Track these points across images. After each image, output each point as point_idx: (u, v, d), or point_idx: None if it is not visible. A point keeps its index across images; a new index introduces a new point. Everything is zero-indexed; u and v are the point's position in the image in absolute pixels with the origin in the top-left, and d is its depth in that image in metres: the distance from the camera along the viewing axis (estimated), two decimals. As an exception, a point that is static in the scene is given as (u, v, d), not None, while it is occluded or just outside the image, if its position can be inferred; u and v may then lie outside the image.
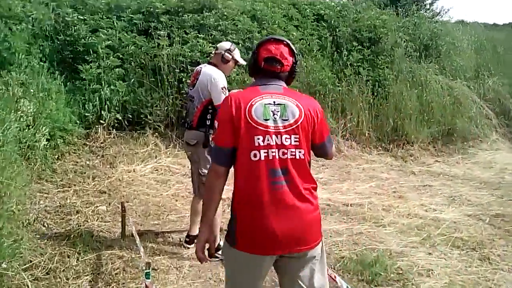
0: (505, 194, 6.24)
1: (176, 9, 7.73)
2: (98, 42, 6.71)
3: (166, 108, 6.97)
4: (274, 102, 2.10)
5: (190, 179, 4.14)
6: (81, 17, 7.06)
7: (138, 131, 6.75)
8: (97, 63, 6.61)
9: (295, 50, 2.26)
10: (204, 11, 7.79)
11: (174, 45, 7.16)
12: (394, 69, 9.59)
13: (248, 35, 7.75)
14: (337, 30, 9.53)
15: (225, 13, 7.90)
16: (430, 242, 4.36)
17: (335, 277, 2.75)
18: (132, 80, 6.88)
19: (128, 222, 4.04)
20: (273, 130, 2.06)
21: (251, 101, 2.09)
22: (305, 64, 8.37)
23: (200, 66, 3.98)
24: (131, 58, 7.00)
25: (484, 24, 17.48)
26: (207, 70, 3.75)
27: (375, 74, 9.22)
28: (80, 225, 4.29)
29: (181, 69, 7.05)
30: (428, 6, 17.81)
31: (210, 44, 7.22)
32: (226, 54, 3.81)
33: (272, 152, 2.04)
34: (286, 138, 2.06)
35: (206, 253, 2.21)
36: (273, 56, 2.17)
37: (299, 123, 2.09)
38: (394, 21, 10.75)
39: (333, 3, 10.67)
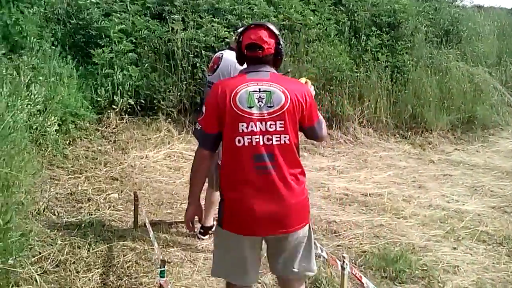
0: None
1: (191, -8, 7.51)
2: (110, 26, 6.53)
3: (179, 93, 6.81)
4: (259, 89, 2.17)
5: None
6: (94, 1, 6.88)
7: (151, 117, 6.60)
8: (109, 48, 6.44)
9: (276, 32, 2.28)
10: (219, -5, 7.56)
11: (188, 29, 6.97)
12: (414, 55, 9.31)
13: (264, 19, 7.51)
14: (356, 14, 9.23)
15: (241, -4, 7.67)
16: (454, 236, 4.16)
17: (360, 277, 2.58)
18: (145, 65, 6.72)
19: (140, 212, 3.91)
20: (257, 117, 2.14)
21: (236, 89, 2.16)
22: (322, 49, 8.13)
23: (220, 52, 3.78)
24: (144, 43, 6.83)
25: (505, 10, 16.93)
26: (229, 56, 3.52)
27: (394, 60, 8.96)
28: (92, 214, 4.17)
29: (195, 54, 6.86)
30: (447, -10, 17.28)
31: (225, 29, 7.02)
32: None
33: (256, 138, 2.13)
34: (271, 124, 2.14)
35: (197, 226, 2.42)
36: (253, 42, 2.22)
37: (284, 109, 2.15)
38: (414, 5, 10.39)
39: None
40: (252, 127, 2.13)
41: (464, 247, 3.97)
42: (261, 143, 2.13)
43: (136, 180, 5.07)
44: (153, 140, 6.17)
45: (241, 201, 2.16)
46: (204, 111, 2.24)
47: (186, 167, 5.59)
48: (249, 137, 2.13)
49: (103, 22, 6.62)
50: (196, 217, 2.38)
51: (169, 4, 7.22)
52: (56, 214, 4.08)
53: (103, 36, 6.53)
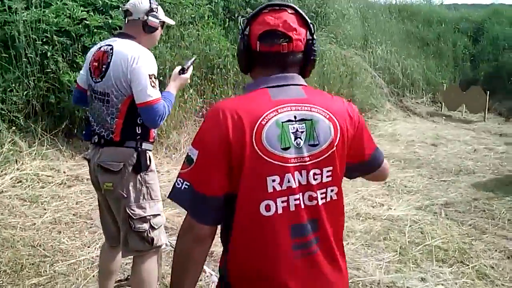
0: (433, 174, 5.82)
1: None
2: None
3: (25, 92, 5.23)
4: (295, 117, 1.31)
5: (97, 220, 2.74)
6: None
7: (-13, 127, 4.93)
8: None
9: (308, 19, 1.38)
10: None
11: (32, 8, 5.36)
12: (287, 37, 8.79)
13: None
14: (226, -5, 8.39)
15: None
16: (409, 258, 3.54)
17: None
18: (-27, 56, 5.00)
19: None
20: (295, 164, 1.29)
21: (261, 119, 1.27)
22: (198, 33, 7.10)
23: (105, 41, 2.48)
24: (-32, 27, 5.09)
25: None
26: (121, 47, 2.34)
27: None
28: None
29: (44, 40, 5.31)
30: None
31: (82, 8, 5.56)
32: (151, 18, 2.42)
33: (295, 199, 1.29)
34: (315, 174, 1.30)
35: None
36: (273, 29, 1.33)
37: (334, 148, 1.32)
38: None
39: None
40: (288, 181, 1.28)
41: (430, 274, 3.31)
42: (302, 205, 1.30)
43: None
44: (-7, 159, 4.57)
45: None
46: (195, 159, 1.29)
47: (46, 195, 4.19)
48: (285, 198, 1.28)
49: None
50: None
51: (0, -24, 5.49)
52: None
53: None
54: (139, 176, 2.40)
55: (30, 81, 5.26)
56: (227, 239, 1.34)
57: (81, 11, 5.51)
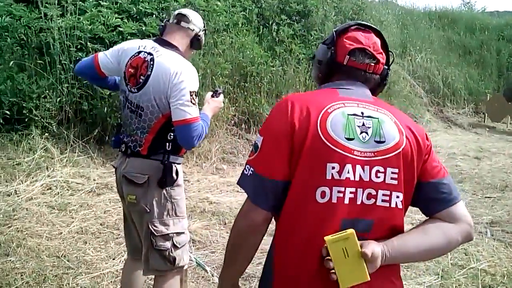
0: (476, 190, 5.49)
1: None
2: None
3: (58, 99, 5.23)
4: (362, 113, 1.32)
5: (123, 231, 2.62)
6: None
7: (20, 132, 4.92)
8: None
9: (388, 45, 1.48)
10: (104, -28, 6.04)
11: (67, 15, 5.38)
12: (327, 45, 8.60)
13: (164, 3, 6.15)
14: (262, 1, 8.28)
15: (132, -25, 6.22)
16: (452, 282, 3.24)
17: None
18: (9, 62, 5.02)
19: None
20: (359, 157, 1.27)
21: (327, 107, 1.31)
22: (232, 40, 7.00)
23: (144, 45, 2.28)
24: (6, 33, 5.13)
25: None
26: (163, 59, 2.18)
27: (309, 52, 8.13)
28: None
29: (79, 47, 5.31)
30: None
31: (117, 15, 5.56)
32: (202, 36, 2.37)
33: (351, 192, 1.25)
34: (378, 171, 1.27)
35: None
36: (365, 47, 1.41)
37: (400, 149, 1.29)
38: (319, -9, 9.71)
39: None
40: (348, 172, 1.25)
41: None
42: (358, 201, 1.25)
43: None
44: (24, 165, 4.54)
45: None
46: (260, 144, 1.32)
47: (74, 203, 4.13)
48: (342, 189, 1.24)
49: None
50: None
51: (38, -17, 5.54)
52: None
53: None
54: (164, 191, 2.27)
55: (63, 88, 5.26)
56: (276, 227, 1.33)
57: (115, 18, 5.50)
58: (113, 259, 3.37)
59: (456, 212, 1.31)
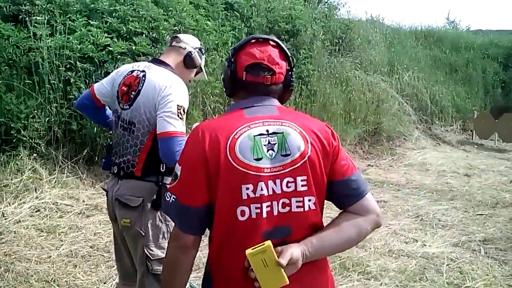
0: (468, 207, 5.49)
1: (56, -12, 5.86)
2: None
3: (47, 119, 5.15)
4: (267, 131, 1.44)
5: (114, 257, 2.55)
6: None
7: (8, 153, 4.83)
8: None
9: (288, 52, 1.55)
10: (94, -8, 6.02)
11: (57, 35, 5.35)
12: (315, 64, 8.71)
13: (154, 23, 6.15)
14: (251, 20, 8.36)
15: (122, -5, 6.21)
16: None
17: None
18: (-3, 82, 4.96)
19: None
20: (270, 173, 1.39)
21: (234, 133, 1.42)
22: (221, 60, 7.02)
23: (138, 64, 2.33)
24: (-7, 53, 5.08)
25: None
26: (154, 75, 2.19)
27: (298, 70, 8.19)
28: None
29: (68, 66, 5.27)
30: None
31: (106, 34, 5.53)
32: (196, 54, 2.35)
33: (267, 206, 1.38)
34: (288, 182, 1.40)
35: None
36: (259, 61, 1.50)
37: (306, 157, 1.41)
38: (307, 12, 9.81)
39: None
40: (261, 190, 1.38)
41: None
42: (275, 212, 1.39)
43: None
44: (12, 187, 4.45)
45: None
46: (179, 174, 1.43)
47: (63, 225, 4.04)
48: (258, 205, 1.38)
49: None
50: None
51: (28, 4, 5.49)
52: None
53: None
54: (159, 213, 2.22)
55: (52, 108, 5.19)
56: (210, 240, 1.45)
57: (105, 37, 5.47)
58: (104, 283, 3.29)
59: (364, 204, 1.45)
